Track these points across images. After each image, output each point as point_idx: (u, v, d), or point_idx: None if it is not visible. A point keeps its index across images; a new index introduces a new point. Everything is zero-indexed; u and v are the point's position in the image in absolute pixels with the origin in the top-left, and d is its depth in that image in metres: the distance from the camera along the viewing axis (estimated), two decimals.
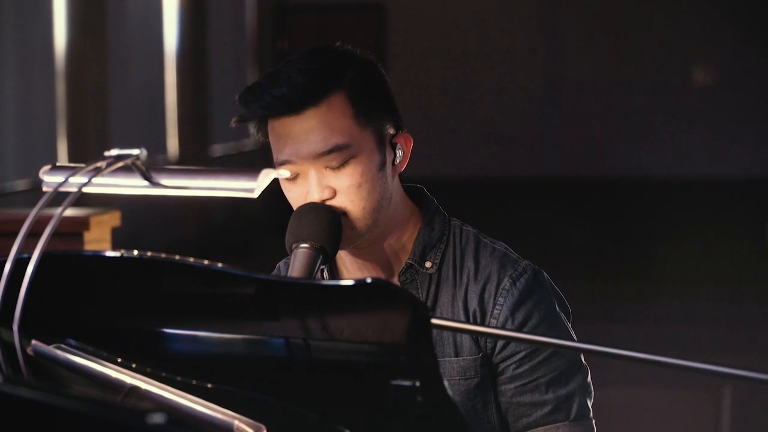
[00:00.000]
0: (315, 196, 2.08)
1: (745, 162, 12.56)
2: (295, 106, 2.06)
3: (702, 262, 8.84)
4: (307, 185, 2.09)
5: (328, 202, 2.08)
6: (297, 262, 2.03)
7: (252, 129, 2.15)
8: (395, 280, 2.19)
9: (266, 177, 1.55)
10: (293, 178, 2.10)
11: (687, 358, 1.47)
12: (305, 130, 2.06)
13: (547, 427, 2.15)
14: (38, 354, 1.58)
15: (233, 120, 2.14)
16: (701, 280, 8.04)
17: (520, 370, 2.14)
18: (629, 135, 12.82)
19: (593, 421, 2.20)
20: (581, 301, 6.45)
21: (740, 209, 11.40)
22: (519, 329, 2.12)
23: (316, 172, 2.08)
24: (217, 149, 10.87)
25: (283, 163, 2.09)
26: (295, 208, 2.12)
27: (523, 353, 2.14)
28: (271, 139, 2.11)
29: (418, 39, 12.93)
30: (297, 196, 2.10)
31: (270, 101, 2.06)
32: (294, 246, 2.05)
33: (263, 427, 1.48)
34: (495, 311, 2.15)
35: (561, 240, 10.45)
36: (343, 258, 2.21)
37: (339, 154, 2.07)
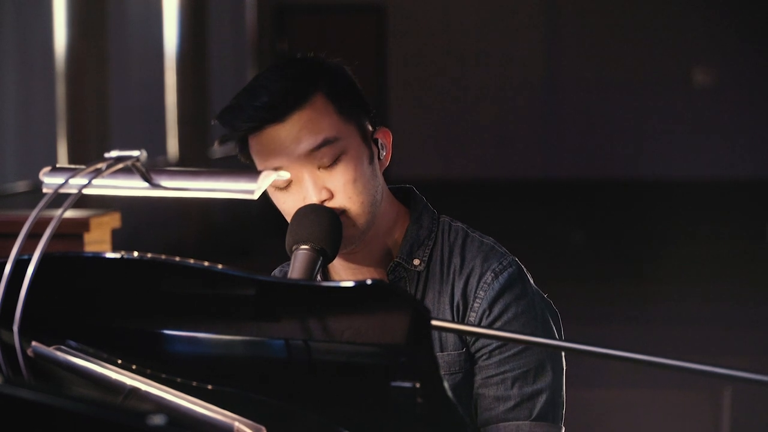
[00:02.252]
0: (313, 199, 2.07)
1: (745, 163, 12.56)
2: (279, 112, 2.06)
3: (702, 262, 8.84)
4: (303, 191, 2.08)
5: (327, 204, 2.08)
6: (297, 263, 2.03)
7: (239, 158, 2.15)
8: (384, 279, 2.19)
9: (266, 179, 1.55)
10: (286, 186, 2.09)
11: (687, 360, 1.47)
12: (292, 133, 2.07)
13: (508, 423, 2.13)
14: (38, 355, 1.58)
15: (216, 142, 2.13)
16: (701, 280, 8.05)
17: (488, 362, 2.13)
18: (629, 136, 12.82)
19: (562, 428, 2.16)
20: (581, 302, 6.45)
21: (741, 210, 11.40)
22: (494, 321, 2.12)
23: (309, 174, 2.08)
24: (217, 150, 10.87)
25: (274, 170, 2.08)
26: (289, 219, 2.10)
27: (494, 345, 2.13)
28: (257, 153, 2.10)
29: (418, 39, 12.93)
30: (293, 205, 2.09)
31: (252, 113, 2.06)
32: (294, 248, 2.05)
33: (263, 428, 1.49)
34: (475, 305, 2.15)
35: (561, 241, 10.45)
36: (334, 263, 2.21)
37: (330, 149, 2.07)
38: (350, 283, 1.47)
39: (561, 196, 12.43)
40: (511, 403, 2.13)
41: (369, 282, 1.46)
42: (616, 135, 12.86)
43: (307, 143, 2.06)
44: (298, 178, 2.09)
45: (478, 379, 2.14)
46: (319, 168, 2.08)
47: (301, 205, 2.08)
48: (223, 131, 2.13)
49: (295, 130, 2.06)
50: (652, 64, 12.77)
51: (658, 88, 12.79)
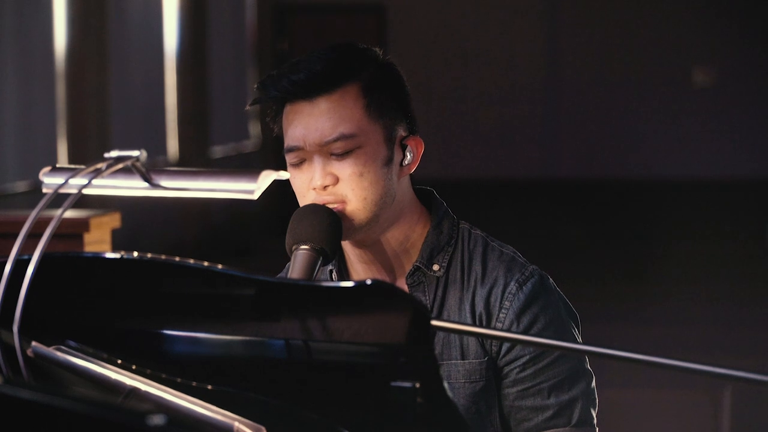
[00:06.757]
0: (317, 182, 2.11)
1: (745, 162, 12.56)
2: (309, 91, 2.11)
3: (702, 262, 8.84)
4: (312, 171, 2.12)
5: (330, 190, 2.11)
6: (297, 263, 2.05)
7: (267, 118, 2.19)
8: (402, 282, 2.20)
9: (266, 179, 1.55)
10: (299, 163, 2.13)
11: (687, 359, 1.47)
12: (315, 115, 2.11)
13: None
14: (38, 355, 1.58)
15: (248, 103, 2.18)
16: (701, 280, 8.04)
17: (523, 374, 2.15)
18: (629, 136, 12.82)
19: (596, 429, 2.19)
20: (581, 302, 6.43)
21: (740, 210, 11.40)
22: (524, 333, 2.13)
23: (320, 157, 2.12)
24: (217, 150, 10.87)
25: (291, 150, 2.13)
26: (298, 196, 2.15)
27: (527, 357, 2.14)
28: (284, 124, 2.15)
29: (418, 39, 12.93)
30: (301, 182, 2.14)
31: (287, 85, 2.11)
32: (294, 248, 2.06)
33: (263, 428, 1.49)
34: (501, 315, 2.16)
35: (561, 240, 10.45)
36: (351, 257, 2.23)
37: (344, 143, 2.11)
38: (350, 283, 1.47)
39: (561, 196, 12.43)
40: (550, 412, 2.15)
41: (369, 282, 1.46)
42: (616, 135, 12.85)
43: (323, 132, 2.11)
44: (310, 159, 2.13)
45: (513, 391, 2.16)
46: (331, 155, 2.11)
47: (308, 185, 2.13)
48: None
49: (319, 112, 2.11)
50: (652, 64, 12.76)
51: (658, 88, 12.78)
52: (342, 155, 2.11)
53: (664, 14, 12.74)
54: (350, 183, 2.11)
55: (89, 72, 8.11)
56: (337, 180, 2.11)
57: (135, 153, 1.55)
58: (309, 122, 2.11)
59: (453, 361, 2.17)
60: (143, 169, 1.57)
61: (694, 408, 4.25)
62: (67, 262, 1.65)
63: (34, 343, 1.58)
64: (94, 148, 7.97)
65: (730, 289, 7.57)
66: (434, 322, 1.49)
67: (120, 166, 1.56)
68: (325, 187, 2.11)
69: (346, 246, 2.21)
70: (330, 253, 2.06)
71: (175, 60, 9.94)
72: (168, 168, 1.62)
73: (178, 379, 1.57)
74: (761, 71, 12.65)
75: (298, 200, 2.16)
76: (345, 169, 2.11)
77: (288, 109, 2.14)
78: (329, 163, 2.11)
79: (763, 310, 6.50)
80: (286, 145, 2.15)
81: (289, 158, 2.15)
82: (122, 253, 1.56)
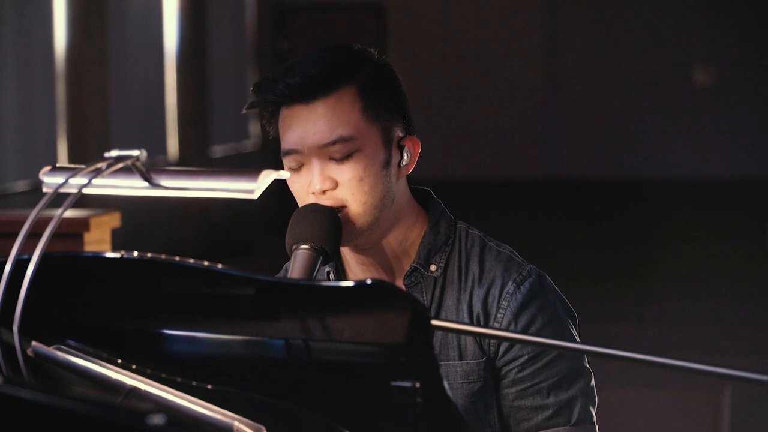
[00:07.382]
0: (316, 187, 2.10)
1: (745, 162, 12.56)
2: (306, 94, 2.09)
3: (702, 262, 8.84)
4: (311, 175, 2.11)
5: (329, 194, 2.10)
6: (297, 263, 2.04)
7: (263, 121, 2.17)
8: (400, 283, 2.19)
9: (266, 178, 1.55)
10: (297, 168, 2.12)
11: (687, 359, 1.47)
12: (313, 119, 2.10)
13: (548, 431, 2.15)
14: (38, 355, 1.58)
15: (244, 107, 2.17)
16: (701, 280, 8.05)
17: (522, 374, 2.15)
18: (629, 135, 12.83)
19: (596, 426, 2.19)
20: (581, 302, 6.44)
21: (741, 210, 11.40)
22: (522, 333, 2.12)
23: (319, 161, 2.10)
24: (217, 150, 10.87)
25: (288, 153, 2.12)
26: (297, 200, 2.14)
27: (526, 357, 2.14)
28: (281, 128, 2.14)
29: (418, 39, 12.93)
30: (300, 186, 2.13)
31: (283, 89, 2.10)
32: (294, 247, 2.06)
33: (263, 428, 1.49)
34: (498, 315, 2.15)
35: (561, 240, 10.45)
36: (348, 259, 2.22)
37: (343, 146, 2.09)
38: (350, 283, 1.47)
39: (561, 196, 12.43)
40: (550, 411, 2.15)
41: (369, 282, 1.46)
42: (616, 135, 12.86)
43: (321, 135, 2.09)
44: (308, 162, 2.11)
45: (512, 391, 2.16)
46: (330, 159, 2.10)
47: (307, 189, 2.12)
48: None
49: (316, 116, 2.10)
50: (652, 64, 12.77)
51: (658, 88, 12.79)
52: (341, 159, 2.09)
53: (664, 14, 12.74)
54: (350, 188, 2.10)
55: (89, 72, 8.11)
56: (336, 184, 2.10)
57: (135, 153, 1.55)
58: (306, 126, 2.10)
59: (451, 362, 2.16)
60: (143, 169, 1.57)
61: (694, 408, 4.25)
62: (67, 261, 1.65)
63: (34, 343, 1.58)
64: (94, 147, 7.97)
65: (730, 289, 7.58)
66: (434, 322, 1.49)
67: (120, 165, 1.56)
68: (324, 192, 2.10)
69: (344, 249, 2.21)
70: (330, 253, 2.06)
71: (175, 60, 9.94)
72: (168, 168, 1.62)
73: (178, 379, 1.57)
74: (761, 71, 12.65)
75: (298, 203, 2.15)
76: (344, 174, 2.10)
77: (284, 112, 2.13)
78: (328, 167, 2.10)
79: (763, 310, 6.50)
80: (283, 148, 2.13)
81: (287, 162, 2.13)
82: (122, 252, 1.56)
